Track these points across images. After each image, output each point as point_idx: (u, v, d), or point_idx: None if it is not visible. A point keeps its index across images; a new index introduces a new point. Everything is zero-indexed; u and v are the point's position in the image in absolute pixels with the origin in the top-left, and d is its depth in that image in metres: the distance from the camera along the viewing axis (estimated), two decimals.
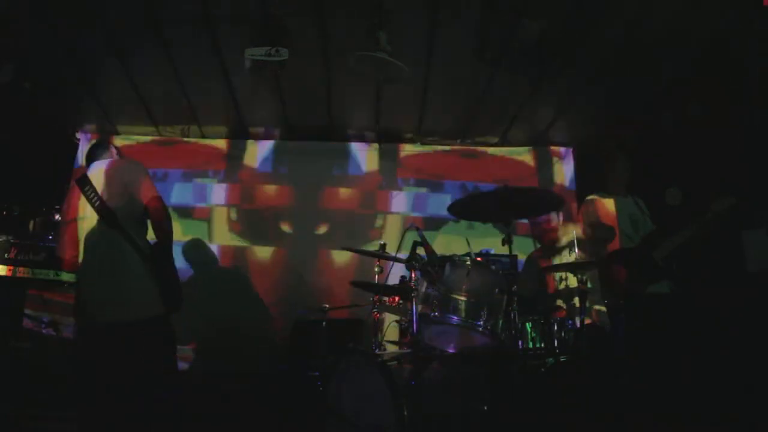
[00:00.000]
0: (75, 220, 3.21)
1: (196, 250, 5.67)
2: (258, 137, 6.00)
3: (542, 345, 3.17)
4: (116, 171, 3.25)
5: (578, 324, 3.26)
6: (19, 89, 4.50)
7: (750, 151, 4.05)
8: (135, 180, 3.22)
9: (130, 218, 3.15)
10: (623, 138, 5.12)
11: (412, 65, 3.99)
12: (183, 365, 5.09)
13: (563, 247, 4.14)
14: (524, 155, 6.04)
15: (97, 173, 3.25)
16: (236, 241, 5.78)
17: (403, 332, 3.87)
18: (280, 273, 5.70)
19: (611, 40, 4.13)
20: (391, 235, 5.71)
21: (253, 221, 5.86)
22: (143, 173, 3.28)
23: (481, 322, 2.84)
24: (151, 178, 3.28)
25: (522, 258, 4.63)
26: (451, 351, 3.06)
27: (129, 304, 3.04)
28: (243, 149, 6.03)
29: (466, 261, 2.97)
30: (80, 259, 3.18)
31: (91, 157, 3.50)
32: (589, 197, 4.10)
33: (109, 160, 3.42)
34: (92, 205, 3.14)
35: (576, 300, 3.59)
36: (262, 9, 3.95)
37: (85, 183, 3.21)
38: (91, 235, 3.14)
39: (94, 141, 3.69)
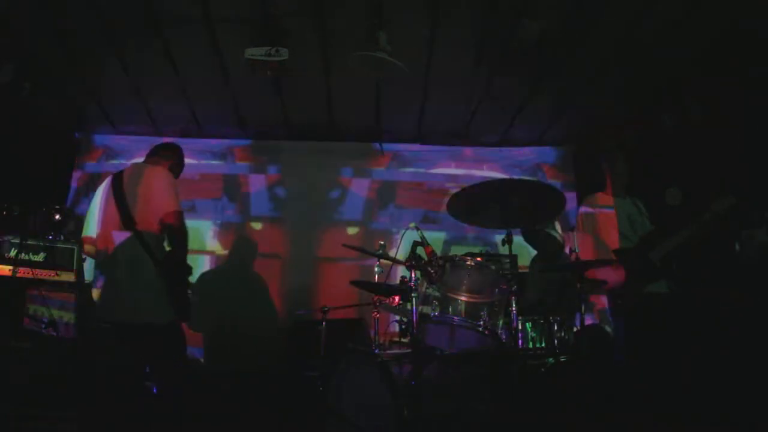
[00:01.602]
0: (99, 213, 3.23)
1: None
2: (258, 137, 6.00)
3: (542, 345, 3.18)
4: (144, 177, 3.24)
5: (578, 324, 3.26)
6: (19, 89, 4.51)
7: (750, 151, 4.05)
8: (158, 190, 3.20)
9: (148, 225, 3.15)
10: (623, 138, 5.12)
11: (412, 65, 3.99)
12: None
13: (563, 249, 4.13)
14: (524, 155, 6.04)
15: (130, 174, 3.27)
16: (235, 241, 5.78)
17: (403, 332, 3.87)
18: (280, 272, 5.70)
19: (611, 40, 4.13)
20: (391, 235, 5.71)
21: (252, 220, 5.86)
22: (170, 186, 3.23)
23: (481, 322, 2.84)
24: (177, 192, 3.24)
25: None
26: (451, 351, 3.07)
27: (139, 308, 3.08)
28: (243, 149, 6.03)
29: (466, 261, 2.97)
30: (96, 254, 3.22)
31: (147, 155, 3.53)
32: (589, 197, 4.10)
33: (146, 164, 3.42)
34: (117, 204, 3.16)
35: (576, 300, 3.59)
36: (262, 9, 3.95)
37: (117, 182, 3.23)
38: (111, 234, 3.16)
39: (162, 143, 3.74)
